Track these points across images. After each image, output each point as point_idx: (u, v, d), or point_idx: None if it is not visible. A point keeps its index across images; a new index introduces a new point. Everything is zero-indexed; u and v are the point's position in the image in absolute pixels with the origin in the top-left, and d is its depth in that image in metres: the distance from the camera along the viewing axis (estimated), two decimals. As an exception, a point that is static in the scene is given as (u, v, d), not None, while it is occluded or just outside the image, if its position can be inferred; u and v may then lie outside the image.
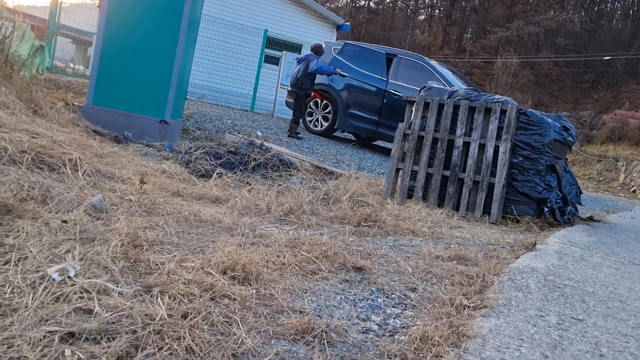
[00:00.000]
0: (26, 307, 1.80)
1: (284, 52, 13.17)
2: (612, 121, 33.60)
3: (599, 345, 2.13)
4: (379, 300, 2.53)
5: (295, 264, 2.76)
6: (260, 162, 5.27)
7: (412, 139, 5.59)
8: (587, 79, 47.53)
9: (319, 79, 9.51)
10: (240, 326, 1.98)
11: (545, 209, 5.22)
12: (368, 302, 2.48)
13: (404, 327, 2.24)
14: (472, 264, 3.20)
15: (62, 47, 21.19)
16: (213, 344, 1.82)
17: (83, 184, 3.31)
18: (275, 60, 14.74)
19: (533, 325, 2.25)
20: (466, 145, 5.36)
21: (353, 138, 10.90)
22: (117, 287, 2.07)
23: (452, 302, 2.50)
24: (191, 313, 1.98)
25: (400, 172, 5.62)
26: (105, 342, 1.70)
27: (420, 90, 5.98)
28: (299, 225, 3.79)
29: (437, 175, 5.39)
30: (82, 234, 2.51)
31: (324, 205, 4.62)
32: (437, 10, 62.45)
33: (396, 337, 2.13)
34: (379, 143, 11.50)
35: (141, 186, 3.50)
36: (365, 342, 2.04)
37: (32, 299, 1.85)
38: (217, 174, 4.79)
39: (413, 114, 5.71)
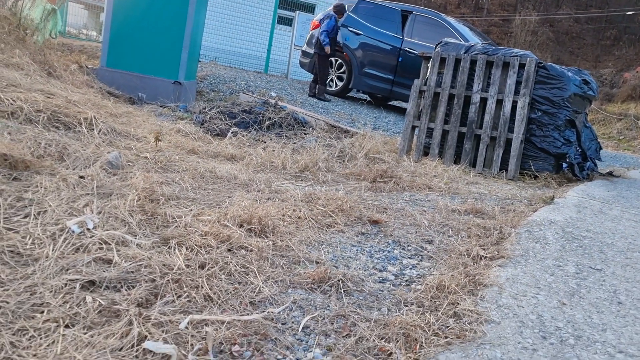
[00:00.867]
0: (47, 257, 1.82)
1: (297, 12, 12.96)
2: (634, 79, 32.83)
3: (617, 294, 2.12)
4: (395, 251, 2.53)
5: (311, 218, 2.77)
6: (275, 121, 5.24)
7: (428, 95, 5.51)
8: (609, 35, 46.23)
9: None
10: (258, 276, 1.99)
11: (564, 165, 5.14)
12: (384, 253, 2.49)
13: (420, 276, 2.24)
14: (489, 217, 3.18)
15: (74, 12, 21.09)
16: (231, 292, 1.84)
17: (99, 141, 3.32)
18: (288, 22, 14.49)
19: (550, 275, 2.24)
20: (483, 101, 5.27)
21: (368, 98, 10.78)
22: (135, 239, 2.09)
23: (469, 253, 2.49)
24: (208, 263, 2.00)
25: (416, 129, 5.56)
26: (125, 289, 1.72)
27: (436, 46, 5.85)
28: (314, 181, 3.79)
29: (453, 132, 5.33)
30: (99, 189, 2.53)
31: (340, 162, 4.60)
32: (453, -33, 60.72)
33: (412, 286, 2.14)
34: (395, 103, 11.38)
35: (156, 144, 3.51)
36: (382, 290, 2.05)
37: (53, 250, 1.88)
38: (232, 132, 4.78)
39: (429, 69, 5.61)
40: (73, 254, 1.89)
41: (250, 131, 5.01)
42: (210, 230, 2.28)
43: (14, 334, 1.40)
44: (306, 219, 2.74)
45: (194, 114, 5.59)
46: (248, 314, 1.70)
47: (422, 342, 1.61)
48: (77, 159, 2.89)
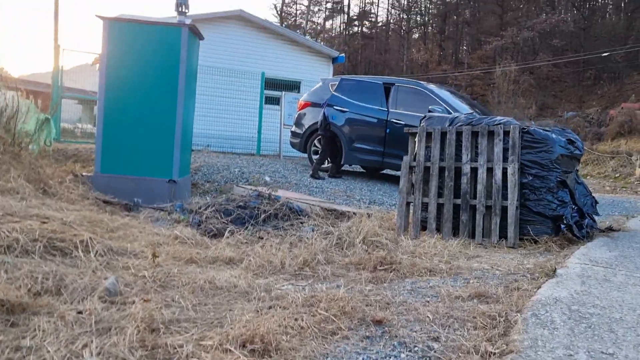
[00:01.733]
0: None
1: (283, 92, 13.33)
2: (620, 115, 33.37)
3: (632, 383, 2.07)
4: (402, 355, 2.48)
5: (314, 326, 2.73)
6: (270, 213, 5.28)
7: (419, 170, 5.58)
8: (589, 76, 47.42)
9: (315, 116, 9.60)
10: (264, 408, 1.95)
11: (562, 226, 5.14)
12: (391, 359, 2.44)
13: (430, 385, 2.19)
14: (493, 300, 3.15)
15: (68, 108, 21.50)
16: None
17: (96, 265, 3.33)
18: (276, 101, 14.87)
19: (562, 368, 2.19)
20: (474, 170, 5.34)
21: (361, 169, 10.90)
22: (137, 380, 2.05)
23: (477, 350, 2.45)
24: (213, 400, 1.95)
25: (411, 205, 5.60)
26: None
27: (420, 121, 5.99)
28: (314, 278, 3.77)
29: (448, 204, 5.36)
30: (98, 324, 2.51)
31: (339, 250, 4.59)
32: (429, 28, 62.98)
33: (423, 398, 2.08)
34: (388, 171, 11.50)
35: (154, 259, 3.51)
36: (392, 409, 2.00)
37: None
38: (229, 231, 4.80)
39: (416, 145, 5.71)
40: (74, 409, 1.85)
41: (246, 227, 5.03)
42: (212, 358, 2.24)
43: None
44: (309, 328, 2.71)
45: (190, 213, 5.63)
46: None
47: None
48: (75, 290, 2.88)
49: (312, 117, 9.90)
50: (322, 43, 63.06)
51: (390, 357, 2.46)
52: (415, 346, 2.58)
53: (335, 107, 9.41)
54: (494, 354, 2.39)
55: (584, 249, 4.42)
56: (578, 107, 43.07)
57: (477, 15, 58.01)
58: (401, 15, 63.56)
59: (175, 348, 2.36)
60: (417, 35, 63.93)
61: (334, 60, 16.83)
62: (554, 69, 48.60)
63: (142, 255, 3.73)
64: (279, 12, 59.69)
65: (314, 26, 65.48)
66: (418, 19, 63.49)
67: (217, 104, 13.96)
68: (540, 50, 49.57)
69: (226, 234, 4.75)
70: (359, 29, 65.29)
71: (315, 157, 9.88)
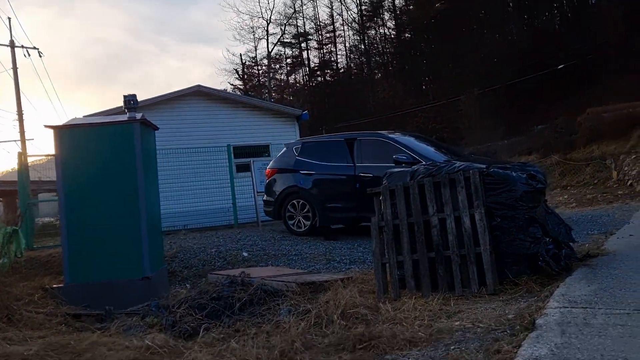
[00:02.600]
0: None
1: (252, 159, 13.34)
2: (587, 121, 33.99)
3: None
4: None
5: None
6: (245, 300, 5.14)
7: (388, 230, 5.51)
8: (550, 88, 48.49)
9: (287, 181, 9.58)
10: None
11: (539, 263, 5.07)
12: None
13: None
14: (474, 371, 3.03)
15: (46, 203, 21.21)
16: None
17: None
18: (247, 167, 14.86)
19: None
20: (442, 221, 5.28)
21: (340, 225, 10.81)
22: None
23: None
24: None
25: (388, 265, 5.50)
26: None
27: (382, 179, 5.96)
28: (293, 372, 3.62)
29: (423, 259, 5.27)
30: None
31: (318, 330, 4.45)
32: (390, 67, 64.39)
33: None
34: (367, 223, 11.41)
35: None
36: None
37: None
38: (204, 329, 4.65)
39: (382, 204, 5.66)
40: None
41: (222, 320, 4.88)
42: None
43: None
44: None
45: (165, 310, 5.45)
46: None
47: None
48: None
49: (282, 183, 9.87)
50: (289, 98, 64.20)
51: None
52: None
53: (301, 172, 9.40)
54: None
55: (563, 288, 4.33)
56: (545, 119, 43.86)
57: (432, 47, 59.57)
58: (361, 59, 65.05)
59: None
60: (379, 75, 65.30)
61: (299, 118, 16.98)
62: (515, 86, 49.68)
63: (110, 380, 3.55)
64: (241, 76, 60.65)
65: (278, 83, 66.65)
66: (378, 59, 65.00)
67: (189, 182, 13.92)
68: (499, 71, 50.76)
69: (201, 332, 4.59)
70: (322, 78, 66.59)
71: (290, 222, 9.79)
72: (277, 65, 66.81)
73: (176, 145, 14.05)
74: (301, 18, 66.40)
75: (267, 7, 66.83)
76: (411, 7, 59.52)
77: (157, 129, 7.64)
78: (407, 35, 62.92)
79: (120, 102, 7.83)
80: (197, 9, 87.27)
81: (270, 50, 60.06)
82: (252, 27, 72.97)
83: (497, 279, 4.97)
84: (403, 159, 8.32)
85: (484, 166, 5.57)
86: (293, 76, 68.76)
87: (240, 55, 61.17)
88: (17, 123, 28.96)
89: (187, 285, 7.67)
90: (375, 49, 65.73)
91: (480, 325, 3.92)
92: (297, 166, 9.47)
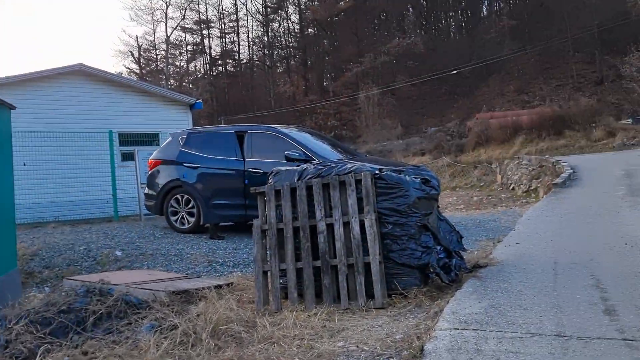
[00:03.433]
0: None
1: (136, 148, 12.32)
2: (476, 126, 35.68)
3: None
4: None
5: None
6: (101, 313, 4.40)
7: (271, 234, 4.99)
8: (444, 92, 50.72)
9: (171, 174, 8.81)
10: None
11: (430, 274, 4.78)
12: None
13: None
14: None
15: None
16: None
17: None
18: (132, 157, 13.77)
19: None
20: (330, 227, 4.85)
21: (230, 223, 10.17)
22: None
23: None
24: None
25: (270, 273, 4.98)
26: None
27: (268, 177, 5.44)
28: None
29: (307, 268, 4.81)
30: None
31: (183, 351, 3.83)
32: (292, 61, 64.13)
33: None
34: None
35: None
36: None
37: None
38: (45, 350, 3.87)
39: (266, 205, 5.13)
40: None
41: (70, 337, 4.11)
42: None
43: None
44: None
45: (1, 327, 4.56)
46: None
47: None
48: None
49: (166, 175, 9.04)
50: (189, 86, 61.94)
51: None
52: None
53: (184, 164, 8.65)
54: None
55: (453, 304, 4.04)
56: (439, 121, 45.73)
57: (335, 44, 60.07)
58: (264, 51, 64.17)
59: None
60: (281, 69, 64.82)
61: (192, 107, 16.04)
62: (412, 88, 51.39)
63: None
64: (137, 59, 57.65)
65: (177, 70, 64.16)
66: (281, 53, 64.46)
67: (62, 170, 12.57)
68: (397, 73, 52.25)
69: (39, 355, 3.81)
70: (223, 68, 64.95)
71: (173, 218, 9.01)
72: (177, 52, 64.34)
73: (50, 129, 12.68)
74: (203, 4, 64.49)
75: (168, -11, 63.98)
76: (315, 2, 59.55)
77: (14, 108, 6.59)
78: (310, 30, 62.95)
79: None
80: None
81: (169, 34, 57.64)
82: (150, 9, 69.74)
83: (385, 292, 4.61)
84: (295, 155, 7.86)
85: (377, 168, 5.22)
86: (193, 64, 66.53)
87: (137, 36, 58.19)
88: None
89: (46, 288, 6.74)
90: (279, 42, 65.16)
91: (365, 348, 3.50)
92: (181, 158, 8.70)
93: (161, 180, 9.05)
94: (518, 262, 5.36)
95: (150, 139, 14.79)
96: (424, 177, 5.12)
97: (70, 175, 12.60)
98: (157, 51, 61.00)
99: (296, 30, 63.43)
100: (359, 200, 4.80)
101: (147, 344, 3.84)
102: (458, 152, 33.09)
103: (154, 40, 59.88)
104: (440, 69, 45.34)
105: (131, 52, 57.12)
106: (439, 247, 5.12)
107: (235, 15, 63.33)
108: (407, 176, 4.97)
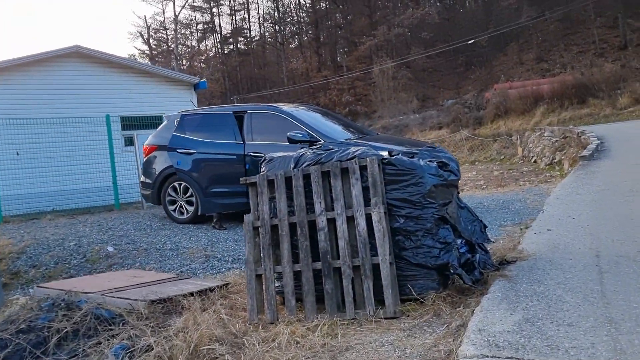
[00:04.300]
0: None
1: (135, 133, 11.70)
2: (495, 97, 34.47)
3: None
4: None
5: None
6: (67, 331, 3.78)
7: (265, 231, 4.31)
8: (461, 63, 49.25)
9: (165, 160, 8.16)
10: None
11: (450, 274, 4.07)
12: None
13: None
14: None
15: None
16: None
17: None
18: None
19: None
20: (332, 222, 4.15)
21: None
22: None
23: None
24: None
25: (263, 277, 4.31)
26: None
27: (261, 166, 4.74)
28: None
29: (307, 271, 4.13)
30: None
31: (155, 381, 3.20)
32: (304, 36, 62.89)
33: None
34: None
35: None
36: None
37: None
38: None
39: (258, 198, 4.44)
40: None
41: (28, 362, 3.51)
42: None
43: None
44: None
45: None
46: None
47: None
48: None
49: (162, 162, 8.38)
50: (201, 65, 61.07)
51: None
52: None
53: (178, 151, 7.96)
54: None
55: (479, 315, 3.32)
56: (456, 93, 44.47)
57: (348, 17, 58.65)
58: (275, 27, 62.91)
59: None
60: (293, 45, 63.64)
61: (196, 87, 15.34)
62: (428, 60, 50.01)
63: None
64: (146, 40, 56.90)
65: (188, 50, 63.33)
66: (293, 28, 63.21)
67: (60, 158, 12.01)
68: (412, 45, 50.84)
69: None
70: (235, 46, 63.89)
71: (171, 207, 8.38)
72: (188, 31, 63.38)
73: (46, 115, 12.10)
74: (212, -19, 63.12)
75: (176, -33, 62.57)
76: (326, -25, 58.06)
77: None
78: (322, 4, 61.52)
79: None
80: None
81: (177, 13, 56.69)
82: (158, -13, 68.65)
83: (398, 298, 3.92)
84: (298, 136, 7.13)
85: (386, 150, 4.49)
86: (204, 43, 65.54)
87: (145, 17, 57.23)
88: None
89: (31, 291, 6.18)
90: (290, 18, 63.82)
91: (372, 378, 2.83)
92: (174, 143, 8.02)
93: (157, 167, 8.40)
94: (553, 255, 4.62)
95: (155, 122, 14.13)
96: (440, 160, 4.38)
97: (69, 163, 12.04)
98: (168, 31, 60.15)
99: (307, 5, 61.99)
100: (365, 190, 4.09)
101: (113, 374, 3.21)
102: (476, 125, 32.01)
103: (164, 21, 59.10)
104: (455, 39, 43.91)
105: (140, 33, 56.36)
106: (459, 241, 4.41)
107: (245, -8, 62.00)
108: (421, 160, 4.23)
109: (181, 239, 7.48)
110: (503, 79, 39.38)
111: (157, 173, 8.39)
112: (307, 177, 4.29)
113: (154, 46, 59.79)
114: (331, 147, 4.72)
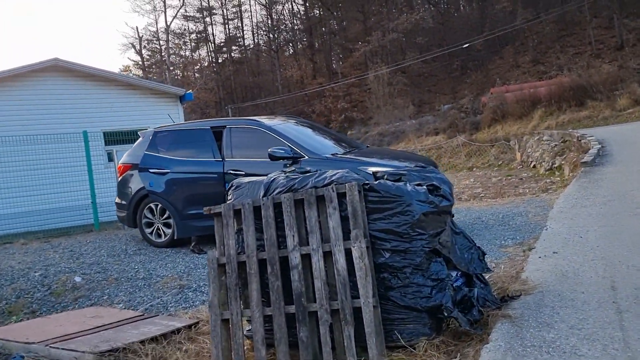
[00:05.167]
0: None
1: (114, 148, 11.16)
2: (491, 101, 33.96)
3: None
4: None
5: None
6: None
7: (231, 269, 3.75)
8: (456, 67, 48.83)
9: (138, 181, 7.60)
10: None
11: (444, 316, 3.51)
12: None
13: None
14: None
15: None
16: None
17: None
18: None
19: None
20: (307, 258, 3.59)
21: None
22: None
23: None
24: None
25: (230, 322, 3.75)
26: None
27: (228, 192, 4.19)
28: None
29: (279, 316, 3.56)
30: None
31: None
32: (299, 44, 62.56)
33: None
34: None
35: None
36: None
37: None
38: None
39: (223, 230, 3.89)
40: None
41: None
42: None
43: None
44: None
45: None
46: None
47: None
48: None
49: (136, 183, 7.83)
50: (195, 75, 60.61)
51: None
52: None
53: (150, 171, 7.41)
54: None
55: (478, 376, 2.77)
56: (452, 98, 44.01)
57: (342, 24, 58.31)
58: (269, 35, 62.51)
59: None
60: (288, 53, 63.27)
61: (182, 99, 14.82)
62: (423, 65, 49.59)
63: None
64: (138, 51, 56.44)
65: (182, 60, 62.95)
66: (287, 36, 62.81)
67: (36, 178, 11.45)
68: (407, 50, 50.47)
69: None
70: (228, 55, 63.48)
71: (148, 230, 7.81)
72: (181, 41, 62.98)
73: (24, 132, 11.58)
74: (204, -10, 62.76)
75: (167, -22, 62.09)
76: (319, -19, 57.74)
77: None
78: (315, 11, 61.19)
79: None
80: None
81: (169, 23, 56.23)
82: (150, -3, 68.24)
83: (384, 347, 3.36)
84: (280, 153, 6.59)
85: (374, 167, 3.96)
86: (198, 52, 65.16)
87: (137, 28, 56.75)
88: None
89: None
90: (284, 25, 63.45)
91: None
92: (145, 163, 7.47)
93: (132, 187, 7.84)
94: (561, 286, 4.06)
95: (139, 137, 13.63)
96: (431, 183, 3.82)
97: (46, 182, 11.47)
98: (161, 42, 59.72)
99: (301, 12, 61.63)
100: (345, 220, 3.53)
101: None
102: (473, 130, 31.52)
103: (157, 31, 58.57)
104: (450, 43, 43.50)
105: (132, 44, 55.90)
106: (454, 273, 3.87)
107: (237, 0, 61.64)
108: (408, 184, 3.67)
109: (156, 266, 6.91)
110: (499, 82, 38.96)
111: (131, 194, 7.83)
112: (278, 206, 3.74)
113: (147, 57, 59.35)
114: (308, 169, 4.17)
